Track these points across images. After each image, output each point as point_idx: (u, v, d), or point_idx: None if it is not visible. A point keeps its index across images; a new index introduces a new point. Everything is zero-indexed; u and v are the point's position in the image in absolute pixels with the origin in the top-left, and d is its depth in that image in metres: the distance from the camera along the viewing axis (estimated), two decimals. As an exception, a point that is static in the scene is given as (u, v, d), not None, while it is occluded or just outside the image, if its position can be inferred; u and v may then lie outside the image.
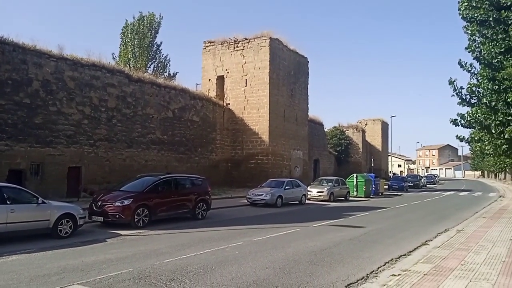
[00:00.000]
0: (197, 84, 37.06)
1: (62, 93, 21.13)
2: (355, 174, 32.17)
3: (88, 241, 10.80)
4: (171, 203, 14.50)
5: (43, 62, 20.29)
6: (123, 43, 40.70)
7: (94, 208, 13.17)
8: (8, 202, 10.06)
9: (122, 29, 40.81)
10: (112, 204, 12.92)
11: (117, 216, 12.75)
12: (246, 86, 33.71)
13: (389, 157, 73.28)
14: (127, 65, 37.49)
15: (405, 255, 9.78)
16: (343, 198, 27.97)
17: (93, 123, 22.61)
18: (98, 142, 22.83)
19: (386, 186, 40.15)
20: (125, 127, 24.47)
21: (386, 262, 8.94)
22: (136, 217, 12.99)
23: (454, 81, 16.56)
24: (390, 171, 76.02)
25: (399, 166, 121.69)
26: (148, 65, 40.98)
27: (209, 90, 35.01)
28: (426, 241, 11.76)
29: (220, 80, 35.04)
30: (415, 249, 10.54)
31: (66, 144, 21.22)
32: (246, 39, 33.91)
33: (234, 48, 34.38)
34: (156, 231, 12.57)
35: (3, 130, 18.42)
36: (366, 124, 67.25)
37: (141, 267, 7.85)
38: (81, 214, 11.70)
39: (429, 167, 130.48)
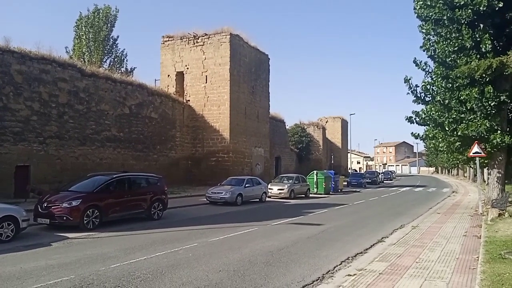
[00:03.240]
0: (155, 80, 36.13)
1: (9, 87, 19.90)
2: (315, 171, 32.38)
3: (32, 245, 10.06)
4: (125, 203, 13.82)
5: (-13, 55, 19.03)
6: (77, 37, 38.98)
7: (40, 209, 12.33)
8: None
9: (76, 22, 39.07)
10: (59, 205, 12.12)
11: (65, 218, 11.99)
12: (206, 82, 33.16)
13: (349, 154, 74.78)
14: (82, 59, 36.00)
15: (361, 253, 9.73)
16: (304, 195, 28.05)
17: (43, 120, 21.44)
18: (48, 140, 21.67)
19: (346, 183, 40.79)
20: (77, 123, 23.39)
21: (343, 261, 8.83)
22: (85, 218, 12.26)
23: (410, 79, 16.86)
24: (350, 168, 77.61)
25: (358, 163, 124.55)
26: (104, 60, 39.48)
27: (168, 86, 34.19)
28: (382, 238, 11.82)
29: (180, 76, 34.29)
30: (371, 246, 10.53)
31: (13, 142, 20.01)
32: (206, 34, 33.34)
33: (194, 43, 33.72)
34: (107, 233, 11.93)
35: None
36: (326, 122, 68.23)
37: (84, 274, 7.29)
38: (24, 217, 10.88)
39: (386, 164, 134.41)
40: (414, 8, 16.18)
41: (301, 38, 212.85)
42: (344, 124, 70.34)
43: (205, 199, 21.63)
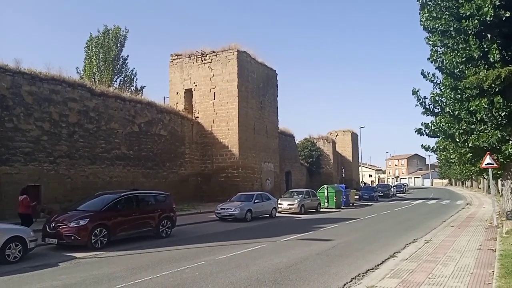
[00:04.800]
0: (164, 98, 36.47)
1: (19, 108, 20.14)
2: (325, 186, 32.11)
3: (39, 266, 10.02)
4: (132, 221, 13.76)
5: (-2, 77, 19.32)
6: (87, 57, 39.61)
7: (48, 229, 12.33)
8: None
9: (87, 43, 39.75)
10: (67, 225, 12.12)
11: (73, 237, 11.97)
12: (214, 99, 33.32)
13: (360, 168, 74.14)
14: (92, 79, 36.51)
15: (372, 269, 9.50)
16: (314, 210, 27.76)
17: (53, 139, 21.62)
18: (58, 159, 21.82)
19: (357, 197, 40.34)
20: (87, 142, 23.54)
21: (353, 278, 8.62)
22: (93, 238, 12.22)
23: (418, 91, 16.69)
24: (361, 181, 76.85)
25: (370, 176, 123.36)
26: (114, 79, 40.00)
27: (177, 103, 34.43)
28: (395, 253, 11.55)
29: (188, 93, 34.54)
30: (383, 262, 10.29)
31: (24, 162, 20.16)
32: (214, 52, 33.64)
33: (202, 61, 34.02)
34: (115, 252, 11.86)
35: (-47, 148, 17.32)
36: (336, 136, 67.96)
37: (88, 295, 7.22)
38: (31, 237, 10.88)
39: (398, 177, 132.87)
40: (420, 20, 16.09)
41: (309, 51, 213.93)
42: (354, 138, 69.98)
43: (215, 216, 21.50)
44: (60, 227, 12.16)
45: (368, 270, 9.40)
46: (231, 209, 20.98)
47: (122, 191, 15.45)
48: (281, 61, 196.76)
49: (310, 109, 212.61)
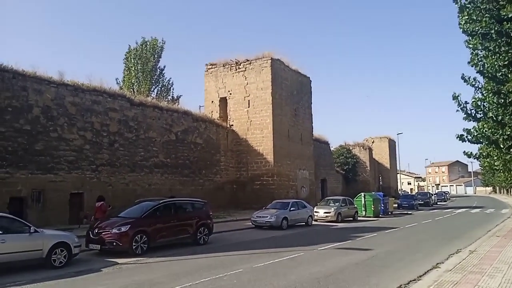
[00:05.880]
0: (200, 106, 37.07)
1: (63, 118, 21.03)
2: (362, 193, 31.50)
3: (83, 271, 10.38)
4: (171, 228, 14.05)
5: (43, 89, 20.25)
6: (126, 68, 41.05)
7: (91, 235, 12.77)
8: (-2, 232, 9.71)
9: (125, 55, 41.25)
10: (109, 231, 12.52)
11: (114, 243, 12.34)
12: (249, 107, 33.57)
13: (398, 175, 72.36)
14: (131, 89, 37.72)
15: (414, 280, 9.23)
16: (351, 218, 27.29)
17: (95, 148, 22.43)
18: (100, 167, 22.58)
19: (396, 205, 39.36)
20: (127, 151, 24.27)
21: (394, 289, 8.41)
22: (134, 244, 12.54)
23: (458, 96, 16.12)
24: (400, 189, 74.95)
25: (409, 183, 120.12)
26: (152, 89, 41.24)
27: (212, 112, 34.93)
28: (437, 263, 11.17)
29: (223, 101, 34.98)
30: (425, 273, 9.97)
31: (68, 170, 20.99)
32: (248, 60, 33.96)
33: (236, 69, 34.42)
34: (155, 258, 12.12)
35: (3, 157, 18.23)
36: (373, 142, 66.71)
37: (131, 301, 7.41)
38: (76, 243, 11.29)
39: (439, 184, 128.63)
40: (459, 24, 15.59)
41: (345, 56, 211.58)
42: (392, 144, 68.42)
43: (251, 223, 21.56)
44: (103, 233, 12.56)
45: (410, 281, 9.13)
46: (267, 216, 20.97)
47: (161, 198, 15.82)
48: (315, 67, 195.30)
49: (345, 115, 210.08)
